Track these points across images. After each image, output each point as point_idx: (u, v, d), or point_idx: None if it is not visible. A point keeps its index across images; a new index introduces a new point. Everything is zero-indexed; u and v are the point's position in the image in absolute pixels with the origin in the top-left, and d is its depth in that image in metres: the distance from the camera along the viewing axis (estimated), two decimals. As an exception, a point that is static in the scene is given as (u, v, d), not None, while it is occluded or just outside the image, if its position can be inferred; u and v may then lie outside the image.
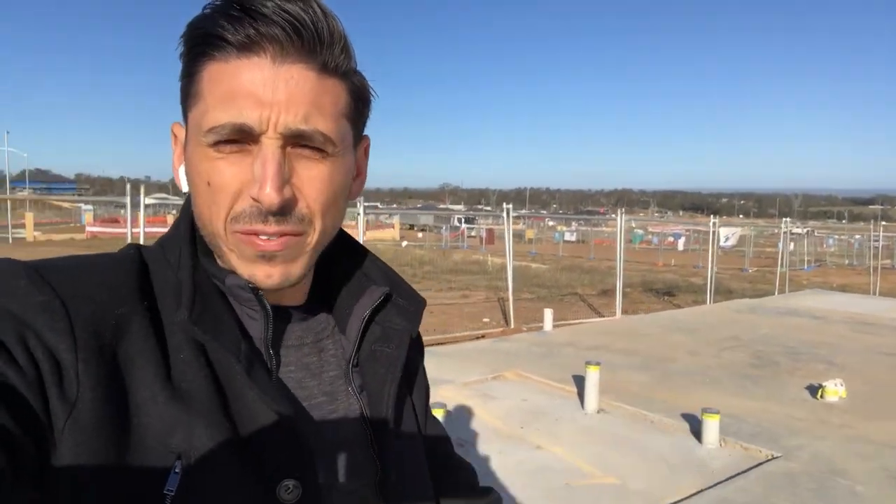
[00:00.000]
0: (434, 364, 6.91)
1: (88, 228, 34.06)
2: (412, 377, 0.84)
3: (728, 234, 16.65)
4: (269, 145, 0.59)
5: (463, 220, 41.97)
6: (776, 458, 4.59)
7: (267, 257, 0.62)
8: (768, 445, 4.79)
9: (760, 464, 4.50)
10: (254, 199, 0.59)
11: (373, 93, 0.68)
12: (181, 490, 0.55)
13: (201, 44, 0.60)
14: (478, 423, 5.25)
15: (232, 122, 0.58)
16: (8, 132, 52.10)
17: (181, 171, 0.67)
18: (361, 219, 8.91)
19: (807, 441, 4.92)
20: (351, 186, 0.69)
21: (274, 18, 0.57)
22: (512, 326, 10.66)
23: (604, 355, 7.46)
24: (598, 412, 5.59)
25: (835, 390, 5.91)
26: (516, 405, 5.74)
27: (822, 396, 5.94)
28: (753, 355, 7.74)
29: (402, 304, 0.76)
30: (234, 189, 0.60)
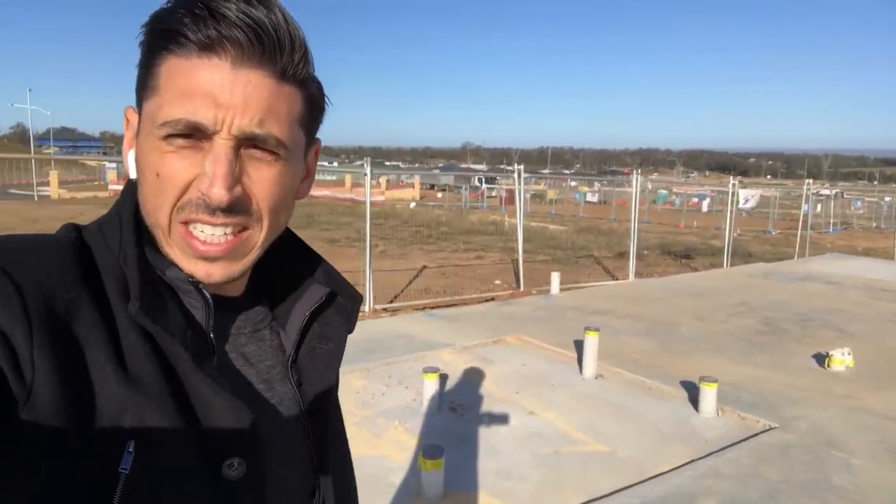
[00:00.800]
0: (436, 327, 6.91)
1: (111, 186, 34.42)
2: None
3: (748, 196, 16.20)
4: (222, 144, 0.60)
5: (483, 180, 41.57)
6: (773, 428, 4.52)
7: (209, 259, 0.64)
8: (766, 415, 4.71)
9: (756, 434, 4.43)
10: (202, 192, 0.61)
11: (327, 101, 0.71)
12: (135, 468, 0.57)
13: (162, 38, 0.60)
14: (473, 387, 5.24)
15: (186, 119, 0.59)
16: (30, 90, 52.53)
17: (130, 156, 0.68)
18: (368, 179, 8.80)
19: (806, 411, 4.84)
20: (299, 187, 0.72)
21: (236, 21, 0.58)
22: (522, 289, 10.61)
23: (609, 320, 7.39)
24: (596, 378, 5.54)
25: (842, 359, 5.78)
26: (514, 370, 5.72)
27: (828, 366, 5.83)
28: (762, 321, 7.60)
29: (341, 301, 0.78)
30: (183, 182, 0.61)
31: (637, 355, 6.13)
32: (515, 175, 11.17)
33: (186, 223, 0.63)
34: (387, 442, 4.22)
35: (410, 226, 21.19)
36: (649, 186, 32.39)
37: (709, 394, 4.75)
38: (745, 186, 18.63)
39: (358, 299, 0.80)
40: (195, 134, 0.60)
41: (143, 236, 0.66)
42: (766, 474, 3.83)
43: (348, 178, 37.97)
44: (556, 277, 8.94)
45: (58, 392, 0.54)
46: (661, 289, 9.68)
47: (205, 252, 0.63)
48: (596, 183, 44.50)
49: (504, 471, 3.89)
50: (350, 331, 0.80)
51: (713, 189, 35.50)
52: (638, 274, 12.62)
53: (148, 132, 0.62)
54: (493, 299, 9.65)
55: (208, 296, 0.67)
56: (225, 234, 0.64)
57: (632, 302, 8.53)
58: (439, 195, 41.73)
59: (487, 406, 4.88)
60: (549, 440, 4.33)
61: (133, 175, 0.67)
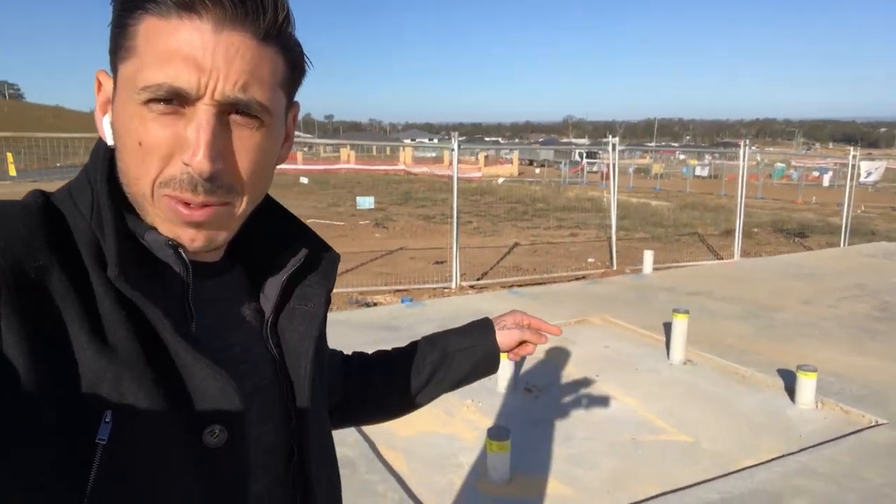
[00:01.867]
0: (518, 305, 6.77)
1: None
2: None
3: (870, 168, 14.67)
4: (205, 111, 0.59)
5: (584, 154, 40.49)
6: (880, 424, 4.11)
7: (193, 225, 0.63)
8: (874, 410, 4.29)
9: (859, 430, 4.04)
10: (185, 163, 0.59)
11: (308, 63, 0.70)
12: (112, 438, 0.56)
13: None
14: (551, 369, 5.10)
15: (169, 84, 0.58)
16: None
17: (105, 121, 0.66)
18: (455, 155, 8.73)
19: (922, 408, 4.36)
20: (279, 152, 0.70)
21: None
22: (615, 268, 10.26)
23: (704, 302, 7.00)
24: (685, 363, 5.25)
25: (970, 351, 5.18)
26: (597, 352, 5.52)
27: (953, 357, 5.23)
28: (878, 307, 6.94)
29: (319, 262, 0.79)
30: (166, 152, 0.60)
31: (732, 340, 5.75)
32: (609, 148, 10.77)
33: (170, 198, 0.61)
34: (458, 421, 4.19)
35: (506, 202, 21.05)
36: (759, 158, 30.28)
37: (806, 384, 4.38)
38: (871, 158, 17.02)
39: (336, 259, 0.81)
40: (177, 99, 0.58)
41: (117, 200, 0.64)
42: (866, 475, 3.48)
43: (447, 155, 38.15)
44: (648, 256, 8.55)
45: (27, 364, 0.53)
46: (766, 269, 9.05)
47: (190, 217, 0.62)
48: (706, 156, 42.32)
49: (576, 457, 3.76)
50: (329, 290, 0.80)
51: (835, 162, 32.86)
52: (745, 253, 11.90)
53: (126, 97, 0.60)
54: (583, 278, 9.39)
55: (188, 260, 0.65)
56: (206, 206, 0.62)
57: (732, 283, 8.03)
58: (537, 171, 41.10)
59: (564, 388, 4.75)
60: (628, 427, 4.15)
61: (110, 141, 0.65)
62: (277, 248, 0.77)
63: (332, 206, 19.37)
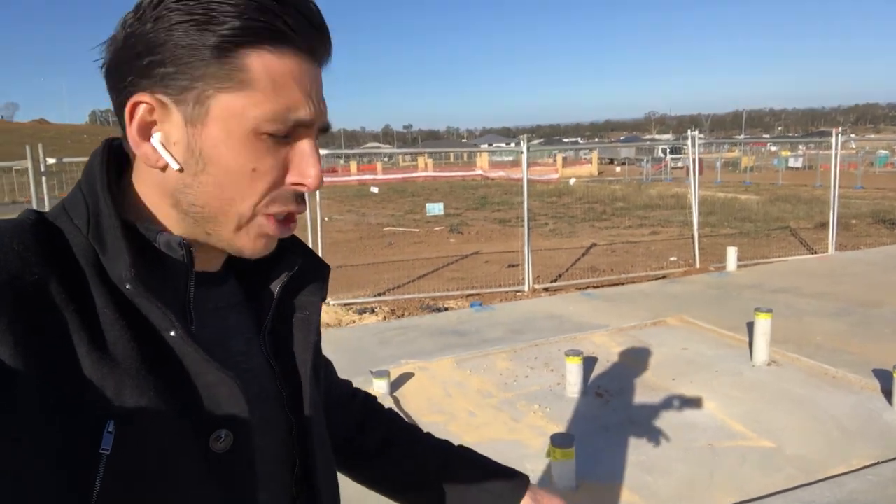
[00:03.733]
0: (591, 307, 6.63)
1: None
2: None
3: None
4: (313, 136, 0.67)
5: (667, 150, 39.19)
6: None
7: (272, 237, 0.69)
8: (985, 413, 3.90)
9: (967, 436, 3.68)
10: (297, 183, 0.66)
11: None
12: (116, 448, 0.56)
13: (258, 33, 0.60)
14: (623, 372, 4.93)
15: (295, 119, 0.63)
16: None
17: (155, 142, 0.63)
18: (525, 157, 8.64)
19: None
20: None
21: (314, 22, 0.64)
22: (698, 266, 9.84)
23: (792, 299, 6.59)
24: (769, 365, 4.95)
25: None
26: (673, 354, 5.29)
27: None
28: None
29: (312, 272, 0.80)
30: (277, 176, 0.65)
31: (821, 339, 5.38)
32: (689, 141, 10.37)
33: (270, 213, 0.66)
34: (524, 426, 4.11)
35: (584, 202, 20.64)
36: (853, 146, 28.38)
37: (906, 385, 4.03)
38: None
39: (326, 270, 0.83)
40: (293, 131, 0.65)
41: (120, 209, 0.64)
42: (975, 486, 3.16)
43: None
44: (732, 252, 8.15)
45: (26, 378, 0.53)
46: (863, 262, 8.44)
47: (288, 232, 0.70)
48: (800, 146, 40.04)
49: (647, 463, 3.61)
50: (323, 299, 0.82)
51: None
52: (841, 246, 11.17)
53: (233, 127, 0.62)
54: (663, 277, 9.05)
55: (193, 264, 0.66)
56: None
57: (823, 278, 7.54)
58: (618, 169, 40.15)
59: (637, 393, 4.57)
60: (705, 432, 3.94)
61: (175, 165, 0.63)
62: (272, 259, 0.76)
63: (409, 213, 19.59)
